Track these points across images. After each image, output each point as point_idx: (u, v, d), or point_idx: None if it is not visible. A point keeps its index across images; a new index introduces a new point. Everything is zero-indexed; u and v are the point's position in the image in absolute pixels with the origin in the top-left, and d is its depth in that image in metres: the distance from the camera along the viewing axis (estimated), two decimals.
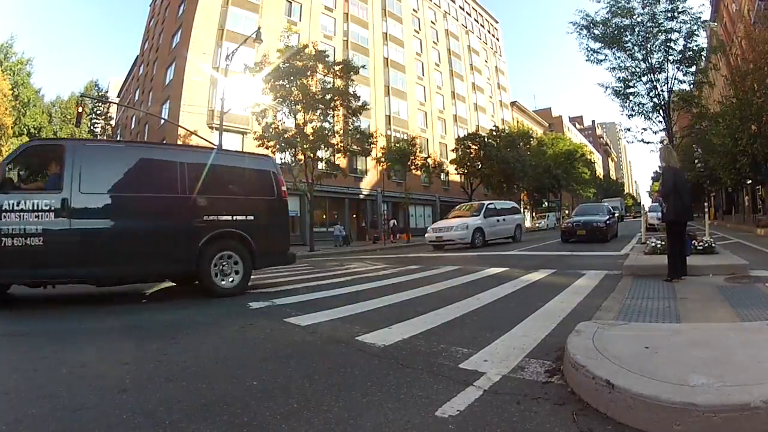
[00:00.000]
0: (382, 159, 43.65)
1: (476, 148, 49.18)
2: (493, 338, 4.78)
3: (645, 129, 26.65)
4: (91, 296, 9.96)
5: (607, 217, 22.96)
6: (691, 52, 24.69)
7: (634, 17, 24.67)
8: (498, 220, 24.63)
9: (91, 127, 56.85)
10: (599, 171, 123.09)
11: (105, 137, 62.17)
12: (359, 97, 32.67)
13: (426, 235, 25.20)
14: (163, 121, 38.41)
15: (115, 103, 63.36)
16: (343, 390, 3.47)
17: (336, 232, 38.92)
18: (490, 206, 24.67)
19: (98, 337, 5.77)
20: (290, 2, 45.98)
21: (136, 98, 58.07)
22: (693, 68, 25.73)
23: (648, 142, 28.55)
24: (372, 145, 34.80)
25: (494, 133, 53.27)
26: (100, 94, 58.61)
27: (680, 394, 2.52)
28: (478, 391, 3.30)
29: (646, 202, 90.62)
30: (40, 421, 3.03)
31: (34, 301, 8.88)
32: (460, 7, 79.72)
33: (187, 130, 29.40)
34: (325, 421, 2.91)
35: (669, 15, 24.25)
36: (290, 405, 3.19)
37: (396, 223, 46.42)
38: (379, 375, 3.80)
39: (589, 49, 26.71)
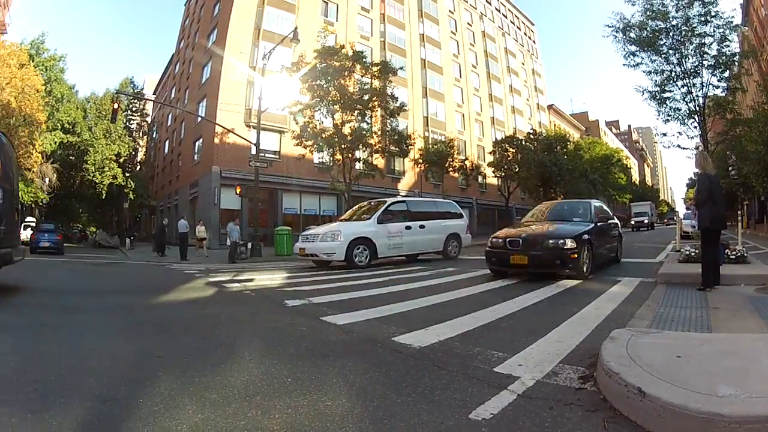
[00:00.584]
0: (420, 160, 43.30)
1: (513, 151, 48.77)
2: (529, 343, 4.79)
3: (680, 134, 26.91)
4: (128, 291, 10.10)
5: (587, 227, 11.38)
6: (724, 57, 24.71)
7: (669, 21, 24.81)
8: (408, 228, 16.81)
9: (127, 123, 57.23)
10: (635, 176, 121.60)
11: (141, 133, 62.75)
12: (397, 98, 32.31)
13: (294, 245, 19.28)
14: (199, 118, 38.45)
15: (150, 100, 63.97)
16: (378, 390, 3.51)
17: None
18: (393, 207, 17.33)
19: (133, 331, 5.89)
20: (326, 2, 45.71)
21: (172, 96, 58.58)
22: (726, 73, 25.65)
23: (684, 148, 28.71)
24: (410, 147, 34.33)
25: (531, 136, 52.69)
26: (135, 91, 59.00)
27: (708, 404, 2.54)
28: (511, 395, 3.33)
29: (681, 209, 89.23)
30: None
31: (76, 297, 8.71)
32: (496, 8, 79.06)
33: (224, 127, 29.34)
34: (358, 419, 2.96)
35: (702, 19, 24.36)
36: (324, 402, 3.25)
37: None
38: (414, 376, 3.84)
39: (626, 51, 26.97)
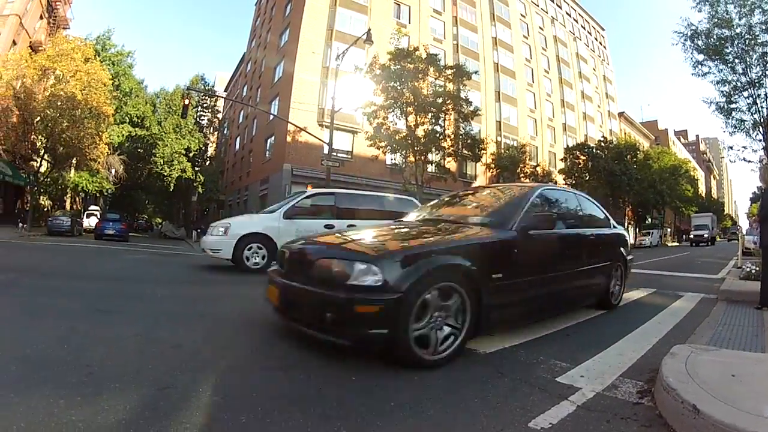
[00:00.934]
0: (492, 165, 42.79)
1: (584, 159, 47.79)
2: (591, 354, 4.79)
3: (745, 147, 26.62)
4: (192, 282, 10.06)
5: (470, 242, 4.94)
6: None
7: (733, 28, 24.54)
8: (330, 227, 11.53)
9: (197, 119, 58.53)
10: (701, 188, 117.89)
11: (212, 129, 64.02)
12: (471, 102, 31.98)
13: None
14: (272, 117, 38.84)
15: (222, 97, 65.36)
16: (441, 394, 3.54)
17: None
18: (312, 200, 13.49)
19: (199, 322, 5.89)
20: (398, 5, 45.61)
21: (244, 93, 59.69)
22: None
23: (749, 161, 28.05)
24: (482, 151, 33.83)
25: (602, 144, 51.55)
26: (206, 87, 60.31)
27: (755, 425, 2.56)
28: (571, 406, 3.35)
29: (744, 223, 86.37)
30: None
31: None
32: (567, 13, 77.58)
33: (297, 126, 29.62)
34: (419, 422, 3.01)
35: (764, 27, 23.95)
36: (387, 404, 3.27)
37: None
38: (478, 382, 3.85)
39: (694, 60, 26.83)
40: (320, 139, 29.25)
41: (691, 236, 56.54)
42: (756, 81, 24.68)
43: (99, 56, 42.63)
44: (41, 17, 41.73)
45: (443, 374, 4.02)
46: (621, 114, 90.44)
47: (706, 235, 54.45)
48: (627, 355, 4.79)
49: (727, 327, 6.20)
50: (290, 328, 5.07)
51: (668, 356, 3.89)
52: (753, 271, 10.28)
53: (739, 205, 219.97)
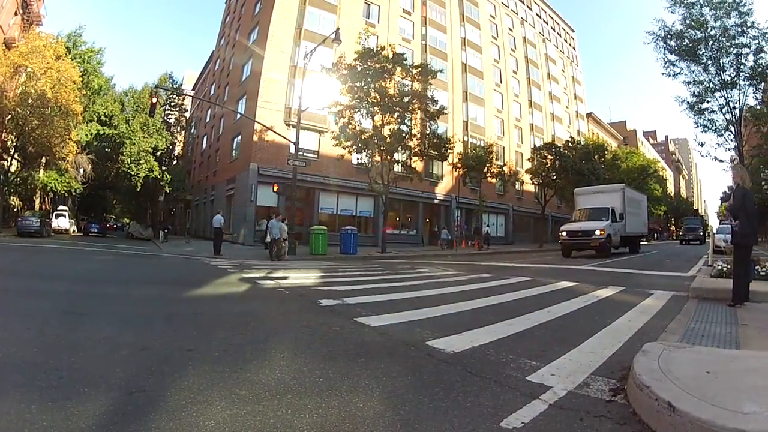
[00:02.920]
0: (458, 165, 42.96)
1: (552, 158, 48.14)
2: (561, 353, 4.83)
3: (719, 145, 27.28)
4: (160, 283, 10.11)
5: None
6: (760, 68, 24.79)
7: (707, 30, 24.99)
8: None
9: (165, 118, 57.98)
10: (670, 188, 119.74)
11: (179, 128, 63.44)
12: (437, 101, 32.02)
13: None
14: (239, 116, 38.60)
15: (190, 95, 64.74)
16: (411, 394, 3.54)
17: (443, 235, 40.75)
18: None
19: (164, 323, 6.01)
20: (368, 4, 45.54)
21: (212, 92, 59.12)
22: (762, 84, 25.79)
23: (720, 160, 28.89)
24: (449, 150, 33.91)
25: (570, 144, 51.99)
26: (174, 86, 59.73)
27: (733, 421, 2.56)
28: (543, 405, 3.34)
29: (714, 223, 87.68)
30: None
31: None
32: (537, 14, 78.19)
33: (264, 125, 29.43)
34: (390, 423, 2.99)
35: (739, 30, 24.51)
36: (355, 404, 3.28)
37: (487, 231, 46.85)
38: (448, 381, 3.87)
39: (666, 60, 27.35)
40: (287, 139, 29.21)
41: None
42: (729, 82, 25.06)
43: (70, 53, 42.19)
44: (16, 13, 41.03)
45: (412, 375, 4.07)
46: (589, 115, 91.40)
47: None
48: (598, 353, 4.85)
49: (699, 324, 6.32)
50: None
51: (640, 354, 3.94)
52: (725, 269, 10.45)
53: (709, 204, 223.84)
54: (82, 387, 3.30)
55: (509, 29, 67.41)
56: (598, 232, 24.65)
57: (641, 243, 35.03)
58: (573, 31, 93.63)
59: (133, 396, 3.20)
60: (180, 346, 4.72)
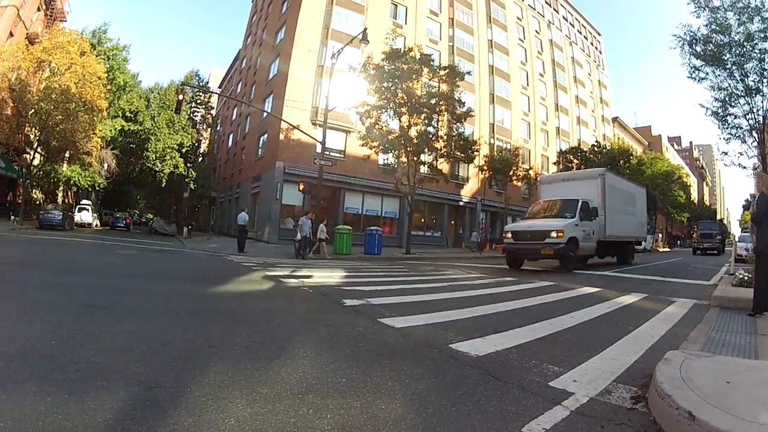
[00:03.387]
0: (485, 167, 42.72)
1: (578, 162, 47.83)
2: (584, 359, 4.80)
3: (741, 153, 26.51)
4: (184, 278, 10.15)
5: None
6: None
7: (731, 35, 24.51)
8: None
9: (191, 115, 58.49)
10: (693, 195, 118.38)
11: (205, 126, 63.90)
12: (464, 103, 31.84)
13: None
14: (265, 114, 38.79)
15: (216, 93, 65.29)
16: (433, 396, 3.53)
17: (473, 238, 40.41)
18: None
19: (187, 319, 6.00)
20: (395, 5, 45.42)
21: (238, 90, 59.49)
22: None
23: (744, 167, 28.29)
24: (475, 153, 33.77)
25: (596, 148, 51.56)
26: (200, 84, 60.20)
27: (750, 431, 2.60)
28: (565, 411, 3.33)
29: (736, 231, 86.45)
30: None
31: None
32: (564, 17, 77.57)
33: (290, 124, 29.47)
34: (411, 425, 2.97)
35: (763, 35, 23.96)
36: (377, 405, 3.27)
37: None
38: (470, 385, 3.85)
39: (691, 65, 26.73)
40: (313, 138, 29.31)
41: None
42: (753, 88, 24.82)
43: (94, 50, 42.66)
44: (39, 9, 41.56)
45: (435, 377, 4.04)
46: (615, 119, 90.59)
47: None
48: (620, 360, 4.80)
49: (719, 333, 6.24)
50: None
51: (662, 362, 3.91)
52: (746, 278, 10.32)
53: (731, 212, 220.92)
54: (100, 381, 3.29)
55: (536, 32, 66.95)
56: (554, 234, 17.49)
57: (636, 250, 27.84)
58: (599, 34, 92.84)
59: (152, 391, 3.20)
60: (201, 342, 4.73)
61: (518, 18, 63.09)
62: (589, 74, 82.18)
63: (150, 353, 4.15)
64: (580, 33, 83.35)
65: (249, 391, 3.37)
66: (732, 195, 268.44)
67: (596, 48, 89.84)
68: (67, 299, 6.67)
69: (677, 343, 5.47)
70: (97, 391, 3.11)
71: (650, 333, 6.36)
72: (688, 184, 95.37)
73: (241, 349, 4.61)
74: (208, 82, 70.69)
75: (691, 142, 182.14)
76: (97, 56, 40.84)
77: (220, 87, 76.80)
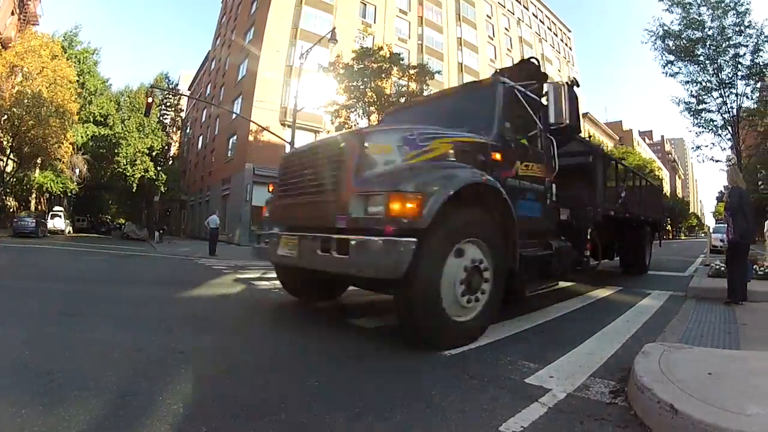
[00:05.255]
0: None
1: None
2: (560, 354, 4.70)
3: (714, 144, 27.46)
4: (154, 284, 10.00)
5: None
6: (757, 67, 25.04)
7: (705, 30, 25.32)
8: None
9: (161, 118, 57.94)
10: (666, 188, 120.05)
11: (175, 128, 63.34)
12: None
13: None
14: (234, 116, 38.51)
15: (185, 95, 64.60)
16: (407, 397, 3.44)
17: None
18: None
19: (161, 325, 5.77)
20: (365, 4, 45.55)
21: (208, 92, 59.02)
22: (759, 84, 25.93)
23: (717, 160, 28.73)
24: None
25: None
26: (170, 86, 59.66)
27: (736, 423, 2.54)
28: (542, 408, 3.26)
29: (710, 222, 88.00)
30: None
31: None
32: (533, 14, 78.34)
33: (260, 125, 29.22)
34: (386, 428, 2.91)
35: (737, 29, 24.74)
36: (352, 409, 3.15)
37: None
38: (445, 384, 3.75)
39: (665, 60, 27.55)
40: (282, 139, 29.03)
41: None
42: (727, 82, 25.15)
43: (66, 53, 42.08)
44: (12, 13, 40.90)
45: (408, 377, 3.97)
46: (585, 114, 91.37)
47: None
48: (597, 355, 4.74)
49: (698, 324, 6.23)
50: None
51: (640, 355, 3.87)
52: (722, 269, 10.28)
53: (705, 204, 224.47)
54: (74, 391, 3.21)
55: (506, 29, 67.52)
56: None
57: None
58: (569, 31, 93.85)
59: (125, 400, 3.10)
60: (173, 348, 4.60)
61: (488, 16, 63.56)
62: (559, 71, 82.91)
63: (123, 361, 4.04)
64: (550, 30, 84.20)
65: (220, 398, 3.28)
66: (705, 187, 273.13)
67: (566, 44, 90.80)
68: (41, 307, 6.54)
69: (655, 336, 5.45)
70: (71, 401, 3.03)
71: (626, 326, 6.30)
72: (660, 177, 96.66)
73: (211, 353, 4.60)
74: (177, 85, 69.92)
75: (662, 136, 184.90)
76: (68, 60, 40.38)
77: (189, 89, 76.02)
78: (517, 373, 4.07)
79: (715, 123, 26.65)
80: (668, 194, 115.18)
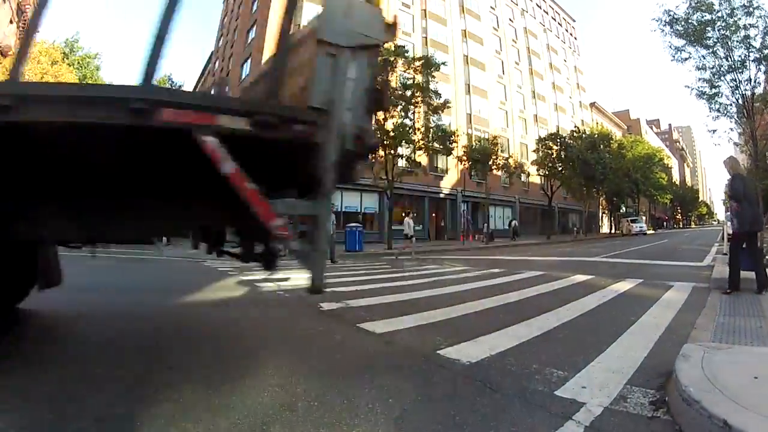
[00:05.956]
0: (464, 158, 42.32)
1: (557, 148, 47.67)
2: (589, 359, 4.36)
3: (731, 129, 27.65)
4: (152, 289, 9.77)
5: None
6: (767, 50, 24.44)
7: (714, 12, 24.87)
8: None
9: None
10: (675, 177, 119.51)
11: None
12: (440, 94, 31.62)
13: None
14: None
15: None
16: (423, 417, 3.09)
17: (485, 230, 40.61)
18: None
19: (149, 336, 5.52)
20: None
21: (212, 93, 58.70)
22: None
23: (736, 143, 28.34)
24: (453, 144, 33.53)
25: (575, 134, 51.48)
26: (174, 87, 59.53)
27: None
28: (578, 428, 2.89)
29: (720, 211, 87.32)
30: None
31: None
32: (537, 5, 77.75)
33: None
34: None
35: (746, 10, 24.25)
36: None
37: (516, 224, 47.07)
38: (465, 400, 3.39)
39: (672, 47, 27.18)
40: None
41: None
42: (739, 64, 24.80)
43: (67, 59, 41.80)
44: (11, 21, 40.71)
45: (423, 393, 3.57)
46: (593, 104, 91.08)
47: None
48: (629, 357, 4.40)
49: (727, 318, 5.93)
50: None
51: (680, 359, 3.59)
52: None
53: (714, 192, 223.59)
54: (50, 414, 2.95)
55: (510, 20, 66.97)
56: None
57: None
58: (573, 20, 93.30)
59: (101, 425, 2.84)
60: (162, 362, 4.31)
61: (492, 7, 63.10)
62: (565, 60, 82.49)
63: (104, 379, 3.75)
64: (554, 19, 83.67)
65: (206, 423, 2.94)
66: (714, 175, 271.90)
67: (571, 34, 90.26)
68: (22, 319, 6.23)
69: (685, 333, 5.16)
70: (43, 426, 2.83)
71: (654, 323, 5.95)
72: (669, 166, 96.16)
73: (203, 369, 4.17)
74: (182, 86, 69.80)
75: (670, 125, 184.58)
76: (69, 66, 40.11)
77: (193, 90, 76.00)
78: (545, 383, 3.73)
79: (728, 107, 26.31)
80: (677, 183, 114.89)
